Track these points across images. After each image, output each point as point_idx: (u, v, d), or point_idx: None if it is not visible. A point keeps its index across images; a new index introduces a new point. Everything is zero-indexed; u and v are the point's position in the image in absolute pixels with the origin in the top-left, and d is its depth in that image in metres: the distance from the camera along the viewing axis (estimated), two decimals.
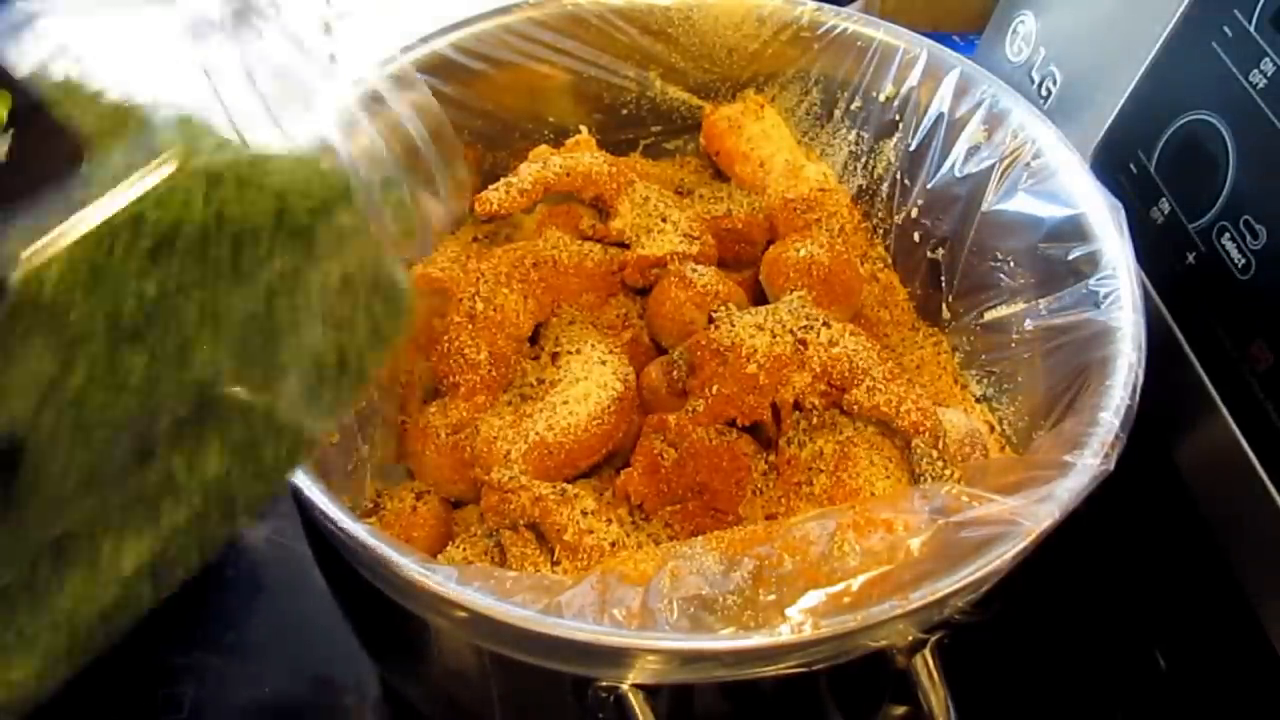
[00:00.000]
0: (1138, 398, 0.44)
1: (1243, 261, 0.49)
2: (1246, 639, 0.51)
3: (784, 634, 0.37)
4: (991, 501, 0.40)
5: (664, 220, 0.60)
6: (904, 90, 0.63)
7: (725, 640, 0.37)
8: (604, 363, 0.53)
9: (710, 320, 0.54)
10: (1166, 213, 0.54)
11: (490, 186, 0.58)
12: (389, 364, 0.36)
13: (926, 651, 0.41)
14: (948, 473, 0.49)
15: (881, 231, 0.66)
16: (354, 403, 0.36)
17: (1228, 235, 0.50)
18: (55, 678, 0.31)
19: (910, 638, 0.40)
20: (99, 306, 0.27)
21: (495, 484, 0.49)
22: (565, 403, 0.51)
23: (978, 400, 0.58)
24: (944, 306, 0.62)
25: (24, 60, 0.29)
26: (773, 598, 0.39)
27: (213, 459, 0.31)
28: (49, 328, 0.27)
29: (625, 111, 0.68)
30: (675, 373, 0.54)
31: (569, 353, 0.54)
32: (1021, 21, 0.67)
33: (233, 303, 0.29)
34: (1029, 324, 0.54)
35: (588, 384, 0.52)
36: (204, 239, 0.28)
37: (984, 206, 0.58)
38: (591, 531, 0.47)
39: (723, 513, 0.50)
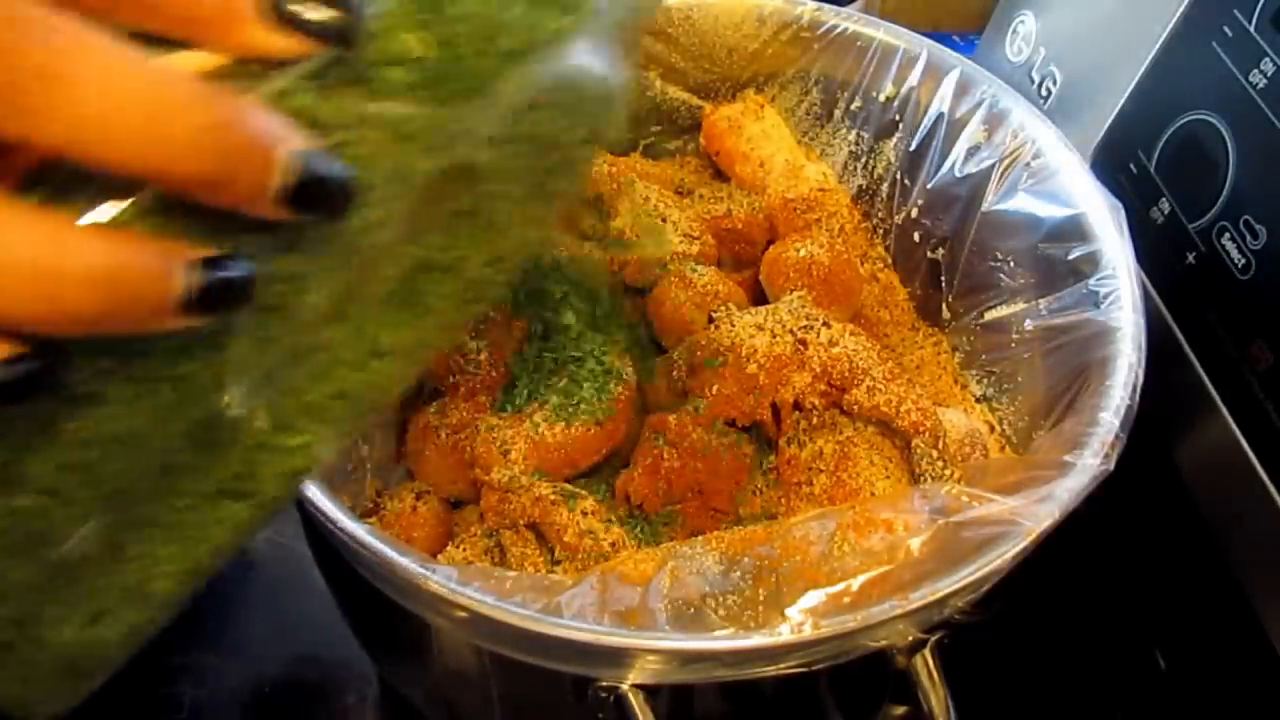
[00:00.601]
0: (1138, 398, 0.44)
1: (1243, 261, 0.49)
2: (1246, 639, 0.51)
3: (784, 634, 0.37)
4: (991, 501, 0.40)
5: (664, 220, 0.60)
6: (904, 90, 0.63)
7: (725, 640, 0.37)
8: (605, 363, 0.53)
9: (710, 320, 0.54)
10: (1166, 213, 0.54)
11: None
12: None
13: (926, 651, 0.41)
14: (948, 473, 0.49)
15: (881, 231, 0.66)
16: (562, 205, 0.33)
17: (1228, 235, 0.50)
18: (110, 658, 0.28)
19: (910, 638, 0.40)
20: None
21: (495, 484, 0.49)
22: (566, 403, 0.51)
23: (978, 400, 0.58)
24: (944, 306, 0.62)
25: None
26: (773, 598, 0.39)
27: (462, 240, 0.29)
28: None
29: (625, 111, 0.68)
30: (675, 373, 0.54)
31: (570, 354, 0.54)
32: (1021, 21, 0.67)
33: None
34: (1029, 324, 0.54)
35: (588, 384, 0.52)
36: None
37: (984, 206, 0.58)
38: (591, 531, 0.47)
39: (723, 513, 0.50)
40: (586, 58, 0.30)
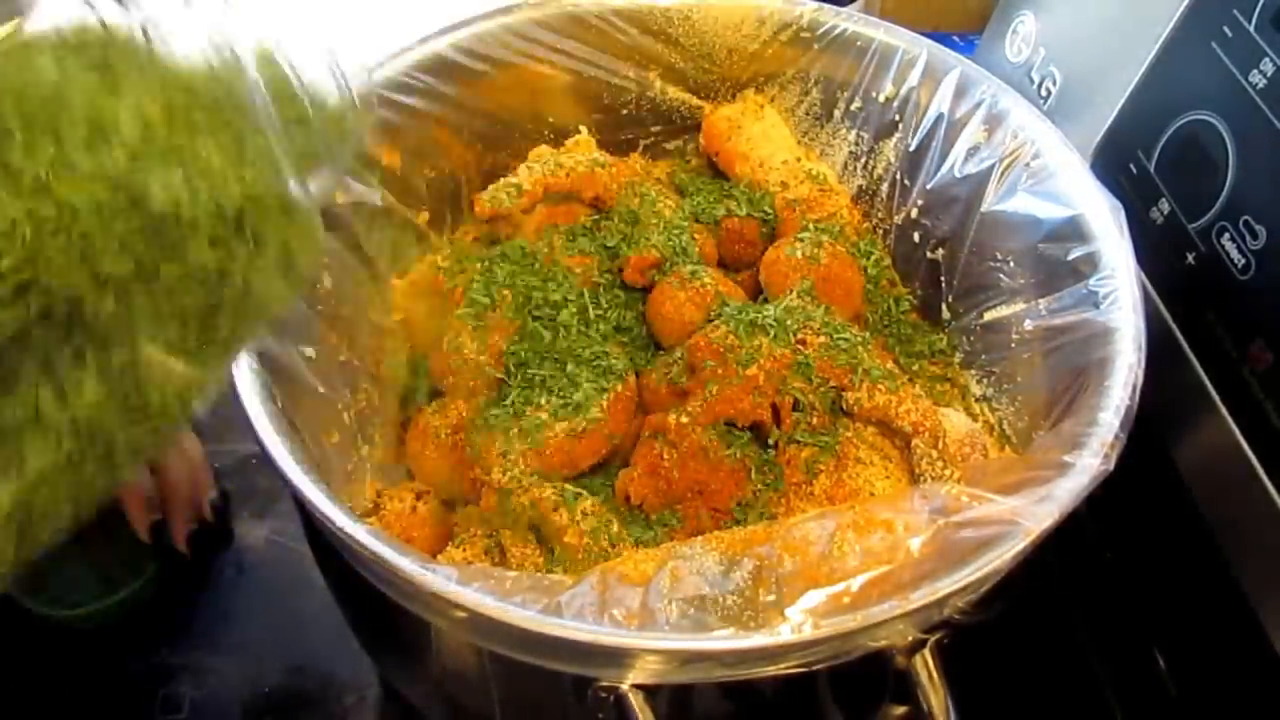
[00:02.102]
0: (1138, 398, 0.44)
1: (1243, 261, 0.49)
2: (1246, 639, 0.51)
3: (784, 634, 0.37)
4: (991, 501, 0.40)
5: (664, 220, 0.60)
6: (904, 90, 0.63)
7: (725, 640, 0.37)
8: (604, 363, 0.53)
9: (710, 320, 0.54)
10: (1166, 213, 0.54)
11: (490, 186, 0.58)
12: (290, 302, 0.32)
13: (926, 651, 0.41)
14: (948, 473, 0.49)
15: (881, 231, 0.66)
16: (247, 342, 0.32)
17: (1228, 235, 0.50)
18: None
19: (910, 638, 0.40)
20: None
21: (495, 484, 0.49)
22: (566, 403, 0.51)
23: (978, 400, 0.58)
24: (944, 306, 0.62)
25: None
26: (773, 598, 0.39)
27: (88, 389, 0.27)
28: None
29: (625, 111, 0.68)
30: (675, 373, 0.54)
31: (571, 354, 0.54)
32: (1021, 21, 0.67)
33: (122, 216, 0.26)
34: (1029, 324, 0.54)
35: (588, 384, 0.52)
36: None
37: (984, 206, 0.58)
38: (591, 531, 0.47)
39: (723, 513, 0.50)
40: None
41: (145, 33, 0.28)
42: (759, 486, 0.50)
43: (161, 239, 0.27)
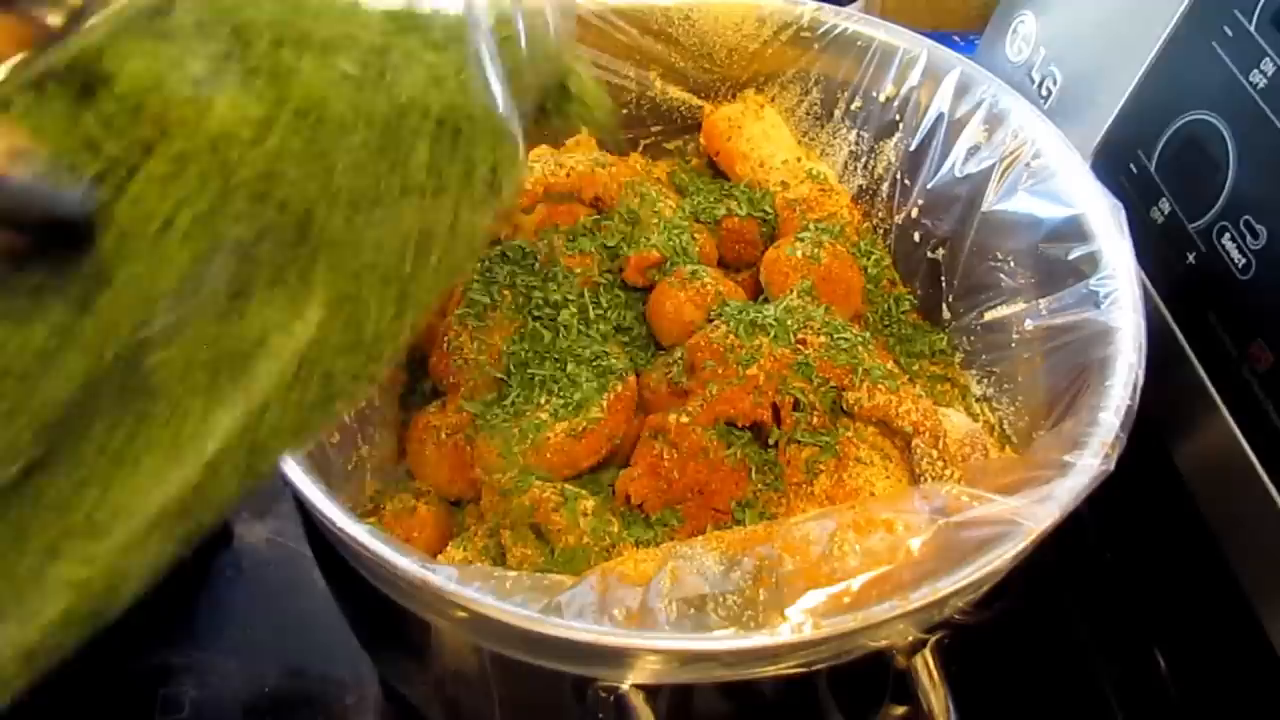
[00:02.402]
0: (1138, 398, 0.44)
1: (1243, 261, 0.49)
2: (1246, 639, 0.51)
3: (784, 634, 0.37)
4: (991, 501, 0.40)
5: (664, 220, 0.60)
6: (904, 90, 0.63)
7: (725, 640, 0.37)
8: (604, 363, 0.53)
9: (710, 320, 0.54)
10: (1166, 213, 0.54)
11: None
12: (490, 236, 0.33)
13: (926, 651, 0.41)
14: (948, 473, 0.49)
15: (881, 231, 0.66)
16: (450, 280, 0.32)
17: (1228, 235, 0.50)
18: (126, 586, 0.26)
19: (910, 638, 0.40)
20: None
21: (495, 484, 0.49)
22: (566, 403, 0.51)
23: (978, 400, 0.58)
24: (944, 306, 0.62)
25: None
26: (773, 598, 0.39)
27: (312, 310, 0.27)
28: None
29: (625, 111, 0.68)
30: (675, 373, 0.54)
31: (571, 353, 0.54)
32: (1021, 21, 0.67)
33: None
34: (1029, 324, 0.54)
35: (588, 384, 0.52)
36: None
37: (984, 206, 0.58)
38: (591, 531, 0.47)
39: (723, 513, 0.50)
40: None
41: None
42: (759, 486, 0.50)
43: (385, 154, 0.28)
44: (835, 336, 0.52)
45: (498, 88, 0.31)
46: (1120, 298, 0.48)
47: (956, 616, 0.41)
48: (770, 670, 0.38)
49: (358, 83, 0.27)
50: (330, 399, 0.29)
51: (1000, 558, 0.39)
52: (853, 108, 0.66)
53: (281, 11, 0.27)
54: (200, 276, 0.25)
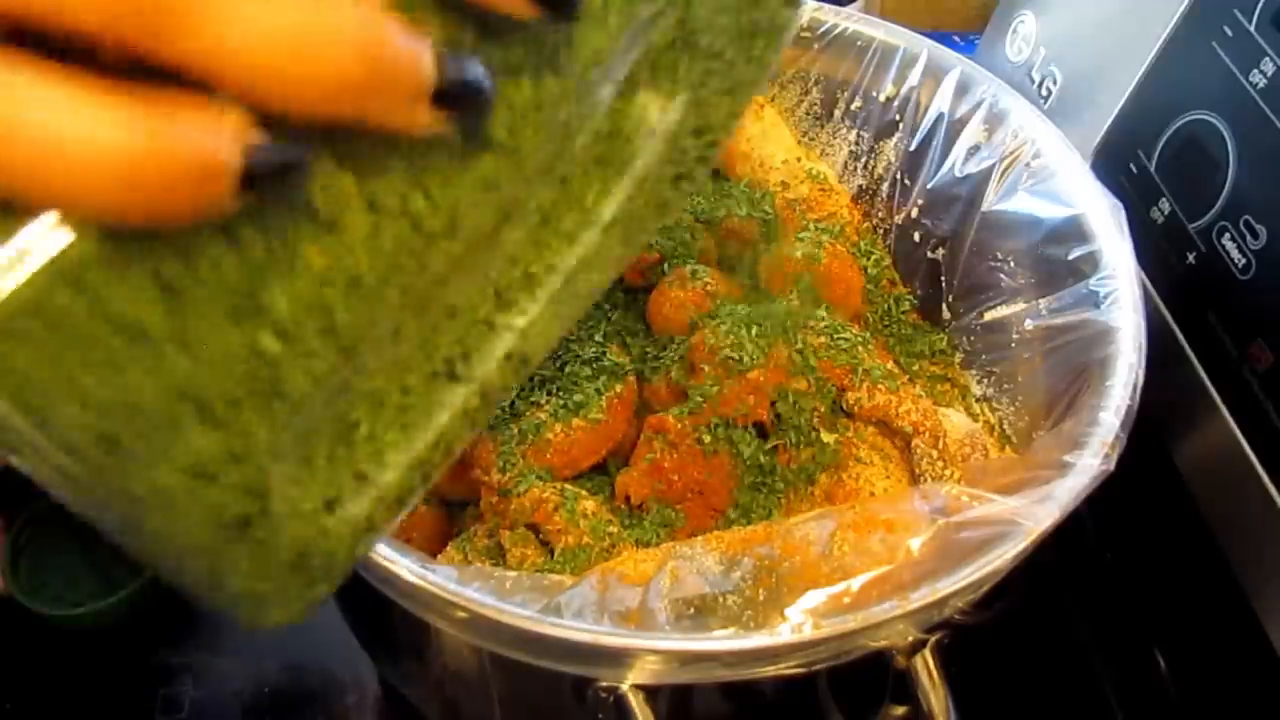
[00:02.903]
0: (1138, 398, 0.44)
1: (1243, 261, 0.49)
2: (1246, 639, 0.51)
3: (784, 634, 0.37)
4: (991, 501, 0.40)
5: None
6: (904, 90, 0.63)
7: (725, 640, 0.37)
8: (604, 363, 0.53)
9: (710, 320, 0.54)
10: (1166, 213, 0.54)
11: None
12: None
13: (926, 651, 0.41)
14: (948, 473, 0.49)
15: (881, 231, 0.66)
16: (769, 71, 0.33)
17: (1228, 235, 0.50)
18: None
19: (910, 638, 0.40)
20: None
21: (495, 484, 0.49)
22: (566, 403, 0.51)
23: (978, 400, 0.58)
24: (944, 306, 0.62)
25: None
26: (773, 598, 0.39)
27: (679, 101, 0.29)
28: None
29: None
30: (675, 373, 0.54)
31: (572, 353, 0.54)
32: (1021, 21, 0.67)
33: None
34: (1029, 324, 0.54)
35: (588, 384, 0.52)
36: None
37: (984, 206, 0.58)
38: (591, 531, 0.47)
39: (722, 513, 0.50)
40: None
41: None
42: (759, 486, 0.50)
43: None
44: (835, 336, 0.52)
45: None
46: (1120, 298, 0.48)
47: (956, 616, 0.41)
48: (770, 670, 0.38)
49: None
50: (680, 179, 0.31)
51: (1000, 558, 0.39)
52: (853, 108, 0.66)
53: None
54: (615, 56, 0.27)
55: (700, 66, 0.30)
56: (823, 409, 0.51)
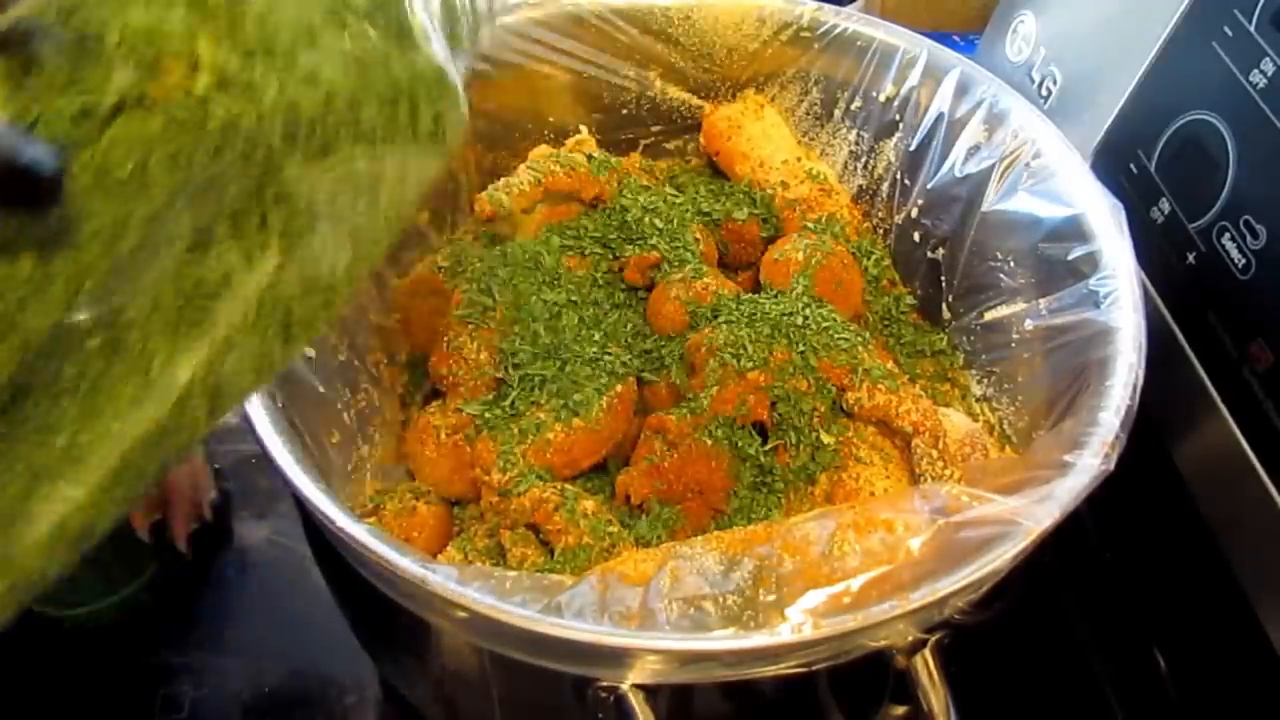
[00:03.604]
0: (1138, 398, 0.44)
1: (1243, 261, 0.49)
2: (1246, 639, 0.51)
3: (784, 634, 0.37)
4: (991, 501, 0.40)
5: (664, 220, 0.60)
6: (904, 90, 0.63)
7: (725, 640, 0.37)
8: (605, 363, 0.53)
9: (710, 319, 0.54)
10: (1166, 213, 0.54)
11: (490, 186, 0.58)
12: (435, 178, 0.35)
13: (926, 651, 0.41)
14: (948, 473, 0.49)
15: (881, 231, 0.66)
16: (402, 222, 0.34)
17: (1228, 235, 0.50)
18: (105, 516, 0.28)
19: (910, 638, 0.40)
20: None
21: (495, 484, 0.49)
22: (566, 403, 0.51)
23: (978, 400, 0.58)
24: (944, 306, 0.62)
25: None
26: (773, 598, 0.39)
27: (271, 256, 0.29)
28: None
29: (625, 111, 0.68)
30: (675, 372, 0.54)
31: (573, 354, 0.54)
32: (1021, 21, 0.67)
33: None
34: (1029, 324, 0.54)
35: (589, 384, 0.52)
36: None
37: (984, 206, 0.58)
38: (591, 531, 0.47)
39: (723, 513, 0.50)
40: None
41: None
42: (759, 486, 0.51)
43: (341, 107, 0.29)
44: (835, 336, 0.52)
45: (436, 39, 0.33)
46: (1120, 298, 0.48)
47: (956, 616, 0.41)
48: (770, 670, 0.38)
49: (308, 47, 0.29)
50: (289, 339, 0.31)
51: (1000, 558, 0.39)
52: (853, 108, 0.66)
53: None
54: (166, 223, 0.27)
55: (300, 221, 0.29)
56: (823, 409, 0.51)
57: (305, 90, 0.28)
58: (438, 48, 0.33)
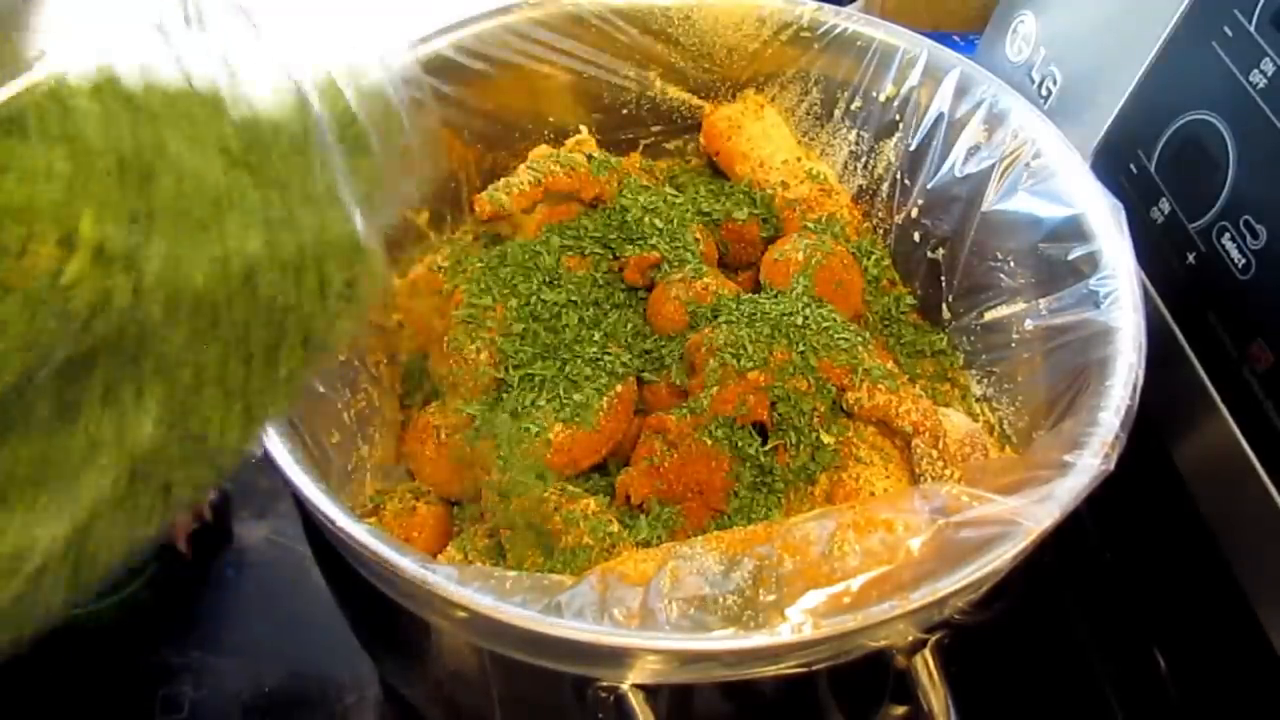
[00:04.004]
0: (1138, 398, 0.44)
1: (1243, 261, 0.49)
2: (1246, 639, 0.51)
3: (784, 634, 0.37)
4: (991, 501, 0.40)
5: (664, 220, 0.60)
6: (904, 90, 0.63)
7: (725, 640, 0.37)
8: (604, 363, 0.53)
9: (709, 319, 0.54)
10: (1166, 213, 0.54)
11: (490, 186, 0.58)
12: (354, 338, 0.33)
13: (926, 651, 0.41)
14: (948, 473, 0.49)
15: (881, 231, 0.66)
16: (310, 375, 0.32)
17: (1228, 235, 0.50)
18: None
19: (910, 638, 0.40)
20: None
21: (495, 484, 0.49)
22: (566, 403, 0.51)
23: (978, 400, 0.58)
24: (944, 306, 0.62)
25: None
26: (773, 598, 0.39)
27: (145, 425, 0.27)
28: None
29: (625, 111, 0.68)
30: (675, 373, 0.54)
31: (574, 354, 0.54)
32: (1021, 21, 0.67)
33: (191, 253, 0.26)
34: (1029, 324, 0.54)
35: (588, 385, 0.52)
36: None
37: (984, 206, 0.58)
38: (591, 531, 0.47)
39: (723, 513, 0.50)
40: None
41: (223, 68, 0.28)
42: (759, 486, 0.50)
43: (230, 285, 0.27)
44: (835, 336, 0.52)
45: (349, 203, 0.31)
46: (1120, 298, 0.48)
47: (956, 616, 0.41)
48: (770, 670, 0.38)
49: (203, 224, 0.27)
50: (169, 508, 0.29)
51: (1000, 558, 0.39)
52: (853, 108, 0.66)
53: (131, 139, 0.26)
54: (24, 396, 0.25)
55: (181, 391, 0.27)
56: (823, 409, 0.51)
57: (195, 259, 0.26)
58: (350, 210, 0.31)
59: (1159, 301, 0.54)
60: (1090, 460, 0.42)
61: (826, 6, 0.65)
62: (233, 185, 0.27)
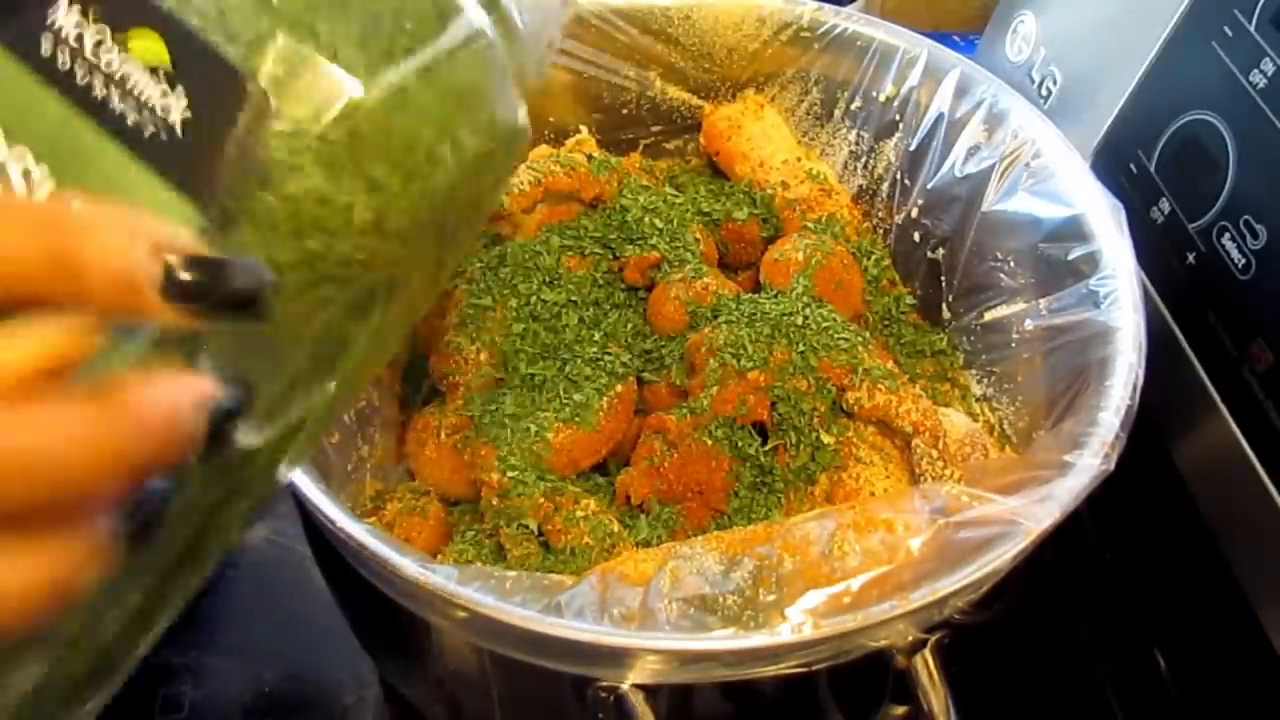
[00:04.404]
0: (1138, 398, 0.44)
1: (1243, 261, 0.49)
2: (1246, 639, 0.51)
3: (784, 634, 0.37)
4: (991, 501, 0.40)
5: (664, 220, 0.60)
6: (904, 90, 0.63)
7: (725, 640, 0.37)
8: (605, 363, 0.53)
9: (709, 319, 0.54)
10: (1166, 213, 0.54)
11: None
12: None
13: (926, 651, 0.41)
14: (948, 473, 0.49)
15: (881, 231, 0.66)
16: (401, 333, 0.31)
17: (1228, 235, 0.50)
18: None
19: (910, 638, 0.40)
20: None
21: (495, 484, 0.49)
22: (566, 403, 0.51)
23: (978, 400, 0.58)
24: (944, 306, 0.62)
25: None
26: (773, 598, 0.39)
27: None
28: None
29: (625, 111, 0.68)
30: (675, 372, 0.54)
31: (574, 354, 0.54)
32: (1021, 21, 0.67)
33: None
34: (1029, 324, 0.54)
35: (588, 385, 0.52)
36: None
37: (984, 206, 0.58)
38: (591, 531, 0.47)
39: (723, 513, 0.50)
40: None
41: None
42: (759, 486, 0.50)
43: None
44: (835, 336, 0.52)
45: (513, 98, 0.29)
46: (1120, 298, 0.48)
47: (956, 616, 0.41)
48: (770, 670, 0.38)
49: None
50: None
51: (1000, 558, 0.39)
52: (853, 108, 0.66)
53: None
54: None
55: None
56: (823, 409, 0.51)
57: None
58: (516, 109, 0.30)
59: (1159, 301, 0.54)
60: (1090, 460, 0.42)
61: (826, 6, 0.65)
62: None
